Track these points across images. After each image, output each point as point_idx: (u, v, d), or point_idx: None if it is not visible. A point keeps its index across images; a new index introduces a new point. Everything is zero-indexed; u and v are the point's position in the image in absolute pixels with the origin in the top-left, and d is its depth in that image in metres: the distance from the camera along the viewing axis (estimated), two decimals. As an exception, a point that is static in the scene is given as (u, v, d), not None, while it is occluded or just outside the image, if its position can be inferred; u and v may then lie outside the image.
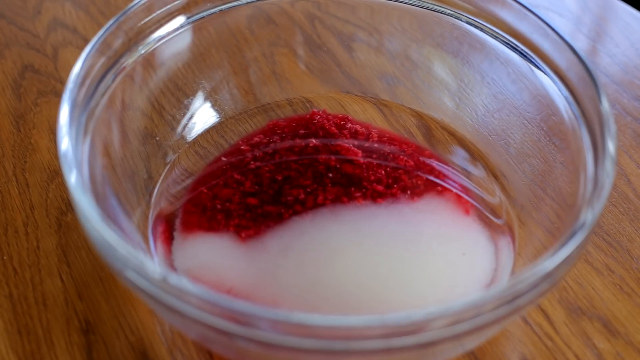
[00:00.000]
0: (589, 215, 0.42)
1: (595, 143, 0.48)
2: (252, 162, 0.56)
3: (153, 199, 0.55)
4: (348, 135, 0.58)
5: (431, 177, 0.56)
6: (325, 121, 0.59)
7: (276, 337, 0.38)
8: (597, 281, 0.52)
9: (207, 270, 0.50)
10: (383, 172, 0.56)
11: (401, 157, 0.57)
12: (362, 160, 0.56)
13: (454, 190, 0.55)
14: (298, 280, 0.49)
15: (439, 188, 0.55)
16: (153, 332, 0.49)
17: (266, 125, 0.60)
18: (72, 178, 0.43)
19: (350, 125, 0.60)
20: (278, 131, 0.59)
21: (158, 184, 0.56)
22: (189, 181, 0.56)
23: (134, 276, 0.40)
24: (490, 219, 0.54)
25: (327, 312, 0.48)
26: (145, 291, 0.40)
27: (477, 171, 0.58)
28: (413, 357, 0.42)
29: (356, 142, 0.58)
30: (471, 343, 0.45)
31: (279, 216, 0.53)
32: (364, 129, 0.60)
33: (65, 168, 0.43)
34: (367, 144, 0.58)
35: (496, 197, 0.56)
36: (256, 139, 0.59)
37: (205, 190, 0.55)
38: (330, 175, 0.55)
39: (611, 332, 0.50)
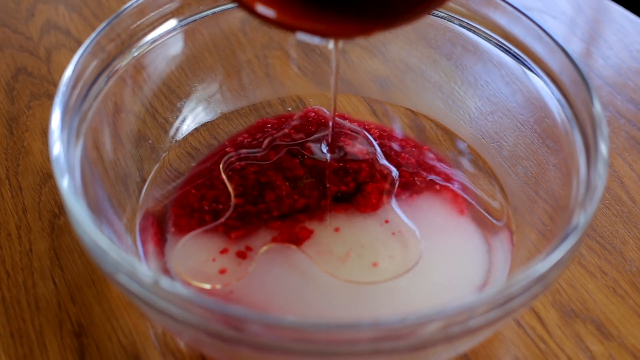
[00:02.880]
0: (581, 218, 0.42)
1: (587, 145, 0.48)
2: (237, 162, 0.56)
3: (144, 201, 0.55)
4: (348, 134, 0.59)
5: (430, 176, 0.56)
6: (322, 118, 0.59)
7: (268, 341, 0.38)
8: (590, 284, 0.52)
9: (199, 273, 0.50)
10: (386, 165, 0.56)
11: (402, 154, 0.57)
12: (361, 158, 0.56)
13: (451, 189, 0.55)
14: (288, 282, 0.49)
15: (437, 187, 0.55)
16: (146, 336, 0.49)
17: (255, 123, 0.60)
18: (64, 182, 0.43)
19: (347, 122, 0.60)
20: (265, 129, 0.59)
21: (149, 186, 0.56)
22: (179, 181, 0.56)
23: (126, 280, 0.40)
24: (486, 220, 0.54)
25: (318, 314, 0.48)
26: (137, 295, 0.40)
27: (476, 172, 0.58)
28: (405, 360, 0.42)
29: (357, 139, 0.58)
30: (464, 346, 0.45)
31: (269, 216, 0.53)
32: (362, 126, 0.60)
33: (57, 172, 0.43)
34: (369, 141, 0.58)
35: (495, 198, 0.56)
36: (240, 138, 0.59)
37: (193, 191, 0.55)
38: (327, 173, 0.55)
39: (604, 334, 0.50)
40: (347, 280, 0.49)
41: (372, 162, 0.56)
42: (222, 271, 0.50)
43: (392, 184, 0.55)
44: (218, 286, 0.49)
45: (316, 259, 0.50)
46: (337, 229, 0.53)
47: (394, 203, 0.54)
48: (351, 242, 0.52)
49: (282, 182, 0.54)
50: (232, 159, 0.56)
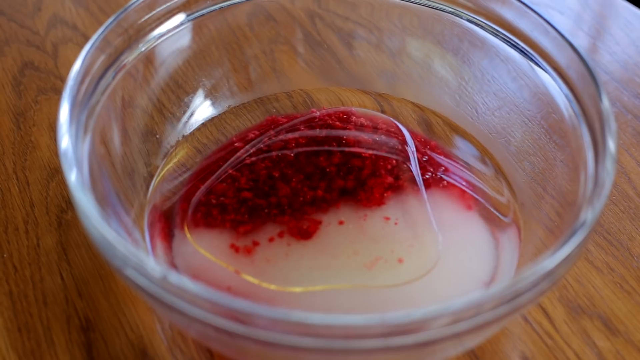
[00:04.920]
0: (589, 214, 0.42)
1: (595, 141, 0.48)
2: (247, 158, 0.56)
3: (152, 196, 0.55)
4: (353, 129, 0.59)
5: (437, 171, 0.56)
6: (327, 117, 0.59)
7: (276, 336, 0.38)
8: (597, 279, 0.52)
9: (206, 268, 0.50)
10: (394, 162, 0.56)
11: (409, 148, 0.57)
12: (369, 153, 0.56)
13: (458, 184, 0.55)
14: (296, 277, 0.50)
15: (444, 182, 0.55)
16: (153, 330, 0.49)
17: (265, 121, 0.60)
18: (72, 176, 0.43)
19: (354, 118, 0.60)
20: (277, 127, 0.59)
21: (157, 180, 0.56)
22: (186, 176, 0.56)
23: (134, 274, 0.40)
24: (493, 216, 0.54)
25: (325, 309, 0.48)
26: (145, 289, 0.40)
27: (483, 167, 0.58)
28: (413, 356, 0.42)
29: (363, 135, 0.58)
30: (471, 342, 0.45)
31: (278, 211, 0.53)
32: (369, 122, 0.60)
33: (65, 166, 0.43)
34: (375, 136, 0.58)
35: (503, 194, 0.56)
36: (251, 134, 0.59)
37: (200, 186, 0.55)
38: (335, 169, 0.55)
39: (611, 330, 0.50)
40: (381, 286, 0.49)
41: (375, 158, 0.56)
42: (229, 265, 0.50)
43: (398, 178, 0.55)
44: (225, 281, 0.49)
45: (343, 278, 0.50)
46: (341, 222, 0.53)
47: (399, 199, 0.54)
48: (361, 240, 0.52)
49: (296, 178, 0.54)
50: (241, 154, 0.57)
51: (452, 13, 0.59)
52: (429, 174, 0.56)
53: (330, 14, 0.67)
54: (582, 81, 0.50)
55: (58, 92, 0.65)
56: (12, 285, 0.52)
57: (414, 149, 0.57)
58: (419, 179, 0.55)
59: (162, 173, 0.56)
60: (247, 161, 0.56)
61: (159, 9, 0.55)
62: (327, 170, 0.55)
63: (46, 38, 0.70)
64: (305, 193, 0.54)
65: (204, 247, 0.52)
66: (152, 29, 0.56)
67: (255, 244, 0.51)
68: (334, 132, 0.58)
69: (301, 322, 0.38)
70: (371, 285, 0.49)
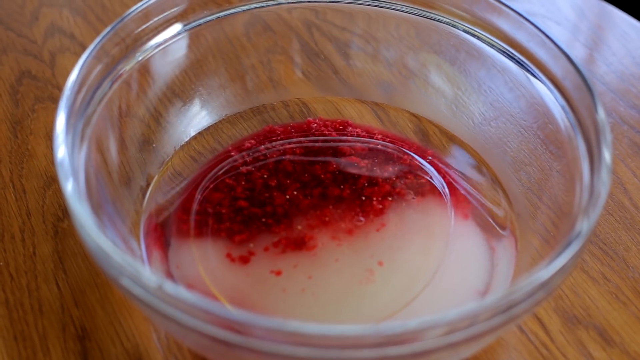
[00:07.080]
0: (584, 224, 0.42)
1: (591, 152, 0.48)
2: (243, 167, 0.56)
3: (148, 205, 0.55)
4: (350, 140, 0.59)
5: (433, 179, 0.56)
6: (324, 128, 0.59)
7: (272, 346, 0.38)
8: (593, 290, 0.52)
9: (203, 278, 0.50)
10: (390, 169, 0.56)
11: (405, 157, 0.57)
12: (365, 162, 0.56)
13: (455, 194, 0.55)
14: (291, 288, 0.50)
15: (441, 190, 0.55)
16: (149, 339, 0.49)
17: (261, 130, 0.61)
18: (69, 186, 0.43)
19: (351, 129, 0.60)
20: (273, 137, 0.59)
21: (153, 190, 0.56)
22: (182, 185, 0.56)
23: (130, 284, 0.40)
24: (490, 225, 0.54)
25: (320, 319, 0.48)
26: (140, 299, 0.40)
27: (480, 177, 0.58)
28: (408, 366, 0.42)
29: (360, 144, 0.58)
30: (466, 352, 0.45)
31: (273, 220, 0.53)
32: (365, 132, 0.60)
33: (61, 176, 0.43)
34: (371, 145, 0.58)
35: (499, 204, 0.56)
36: (247, 144, 0.59)
37: (196, 195, 0.55)
38: (331, 178, 0.55)
39: (607, 341, 0.50)
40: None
41: (371, 167, 0.56)
42: (225, 275, 0.50)
43: (395, 187, 0.55)
44: (221, 290, 0.49)
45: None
46: (335, 239, 0.53)
47: (396, 207, 0.54)
48: (358, 249, 0.52)
49: (292, 187, 0.54)
50: (238, 163, 0.57)
51: (448, 24, 0.60)
52: (426, 182, 0.56)
53: (327, 24, 0.67)
54: (578, 92, 0.50)
55: (55, 101, 0.65)
56: (8, 294, 0.52)
57: (411, 158, 0.58)
58: (415, 188, 0.55)
59: (159, 182, 0.56)
60: (243, 170, 0.56)
61: (156, 19, 0.56)
62: (323, 179, 0.55)
63: (43, 47, 0.71)
64: (301, 202, 0.54)
65: (199, 257, 0.52)
66: (150, 39, 0.56)
67: (251, 253, 0.51)
68: (330, 142, 0.58)
69: (297, 332, 0.38)
70: (368, 297, 0.49)
